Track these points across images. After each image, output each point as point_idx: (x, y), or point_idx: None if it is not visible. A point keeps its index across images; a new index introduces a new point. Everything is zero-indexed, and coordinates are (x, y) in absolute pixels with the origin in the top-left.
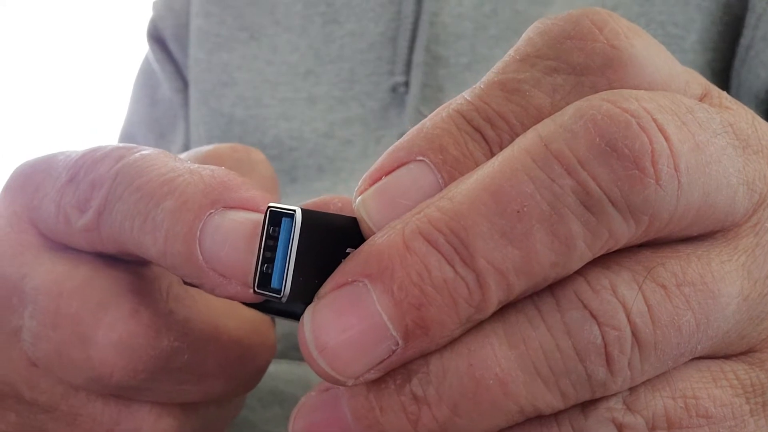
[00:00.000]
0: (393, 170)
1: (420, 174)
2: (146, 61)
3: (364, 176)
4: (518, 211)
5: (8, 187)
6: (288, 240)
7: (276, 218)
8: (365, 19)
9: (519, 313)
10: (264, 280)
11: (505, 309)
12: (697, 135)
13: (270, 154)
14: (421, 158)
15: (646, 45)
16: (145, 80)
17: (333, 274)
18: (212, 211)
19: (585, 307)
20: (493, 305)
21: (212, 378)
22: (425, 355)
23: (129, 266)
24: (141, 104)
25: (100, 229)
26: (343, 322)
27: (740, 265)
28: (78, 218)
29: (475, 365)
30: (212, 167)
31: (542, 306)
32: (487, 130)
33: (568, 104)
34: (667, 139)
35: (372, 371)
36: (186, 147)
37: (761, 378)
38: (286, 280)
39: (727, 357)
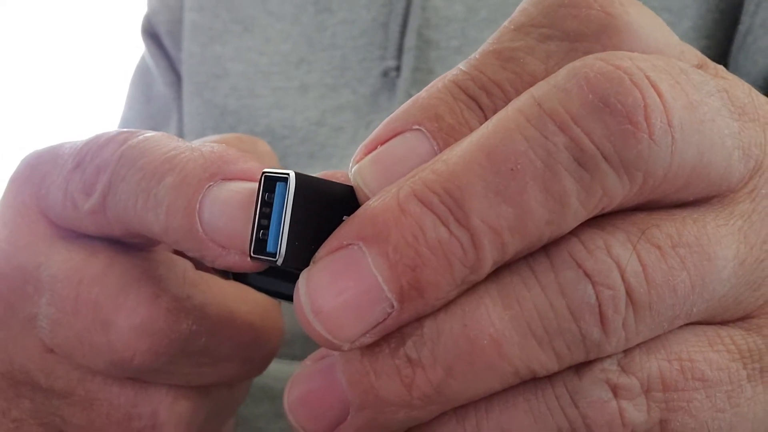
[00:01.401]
0: (389, 139)
1: (416, 142)
2: (142, 59)
3: (360, 146)
4: (512, 169)
5: (15, 177)
6: (282, 204)
7: (271, 184)
8: (357, 5)
9: (513, 274)
10: (260, 246)
11: (500, 270)
12: (691, 94)
13: None
14: (417, 127)
15: (641, 13)
16: (141, 78)
17: (328, 239)
18: (211, 183)
19: (579, 266)
20: (487, 265)
21: (227, 361)
22: (420, 318)
23: (145, 254)
24: (136, 101)
25: (106, 210)
26: (339, 285)
27: (736, 230)
28: (84, 202)
29: (470, 326)
30: (213, 144)
31: (536, 266)
32: (482, 98)
33: None
34: (659, 95)
35: (368, 335)
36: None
37: (758, 344)
38: (281, 243)
39: (723, 322)
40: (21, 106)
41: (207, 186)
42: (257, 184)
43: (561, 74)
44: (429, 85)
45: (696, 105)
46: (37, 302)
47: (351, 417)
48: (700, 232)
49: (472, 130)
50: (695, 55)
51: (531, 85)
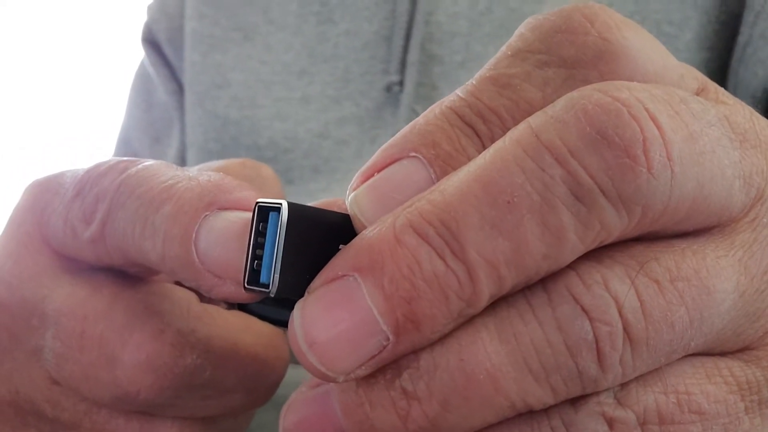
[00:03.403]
0: (385, 167)
1: (413, 169)
2: (142, 66)
3: (357, 174)
4: (509, 202)
5: (19, 207)
6: (275, 234)
7: (264, 213)
8: (360, 18)
9: (510, 308)
10: (254, 276)
11: (497, 303)
12: (691, 125)
13: (265, 156)
14: (413, 154)
15: (639, 38)
16: (141, 85)
17: (323, 269)
18: (208, 213)
19: (576, 302)
20: (484, 299)
21: (232, 392)
22: (416, 351)
23: (149, 287)
24: (137, 109)
25: (105, 239)
26: (333, 316)
27: (737, 261)
28: (84, 230)
29: (466, 360)
30: (211, 173)
31: (534, 300)
32: (479, 125)
33: (559, 97)
34: (659, 127)
35: (363, 367)
36: (181, 150)
37: (757, 376)
38: (273, 274)
39: (722, 354)
40: (21, 111)
41: (203, 215)
42: (251, 214)
43: (559, 105)
44: (426, 111)
45: (696, 136)
46: (43, 335)
47: None
48: (699, 265)
49: (469, 157)
50: (695, 77)
51: (528, 113)
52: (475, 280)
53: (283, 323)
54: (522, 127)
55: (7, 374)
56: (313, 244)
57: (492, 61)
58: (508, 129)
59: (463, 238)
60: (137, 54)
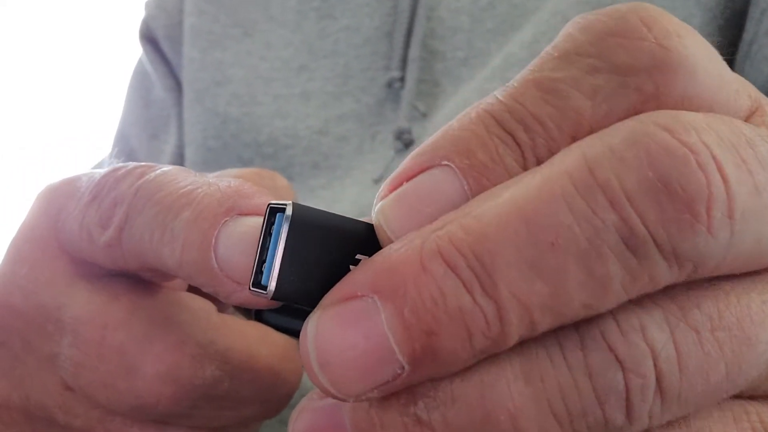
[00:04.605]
0: (415, 175)
1: (444, 180)
2: (140, 62)
3: (385, 181)
4: (552, 243)
5: (33, 211)
6: (278, 234)
7: (274, 215)
8: (360, 13)
9: (539, 348)
10: (258, 278)
11: (525, 341)
12: (757, 175)
13: (265, 153)
14: (445, 163)
15: (699, 47)
16: (139, 82)
17: (340, 283)
18: (227, 219)
19: (610, 349)
20: (512, 340)
21: (247, 403)
22: (434, 379)
23: (168, 296)
24: (135, 105)
25: (122, 244)
26: (348, 338)
27: None
28: (100, 235)
29: (487, 397)
30: (230, 179)
31: (565, 343)
32: (519, 134)
33: (609, 107)
34: (725, 181)
35: (375, 391)
36: (179, 147)
37: None
38: (272, 276)
39: (752, 398)
40: (21, 111)
41: (223, 221)
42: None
43: (618, 137)
44: (461, 114)
45: (761, 189)
46: (59, 342)
47: None
48: (742, 313)
49: (507, 168)
50: (748, 95)
51: (575, 123)
52: (504, 321)
53: (299, 334)
54: (574, 155)
55: (18, 380)
56: (324, 250)
57: (536, 62)
58: (552, 139)
59: (497, 275)
60: (137, 52)
